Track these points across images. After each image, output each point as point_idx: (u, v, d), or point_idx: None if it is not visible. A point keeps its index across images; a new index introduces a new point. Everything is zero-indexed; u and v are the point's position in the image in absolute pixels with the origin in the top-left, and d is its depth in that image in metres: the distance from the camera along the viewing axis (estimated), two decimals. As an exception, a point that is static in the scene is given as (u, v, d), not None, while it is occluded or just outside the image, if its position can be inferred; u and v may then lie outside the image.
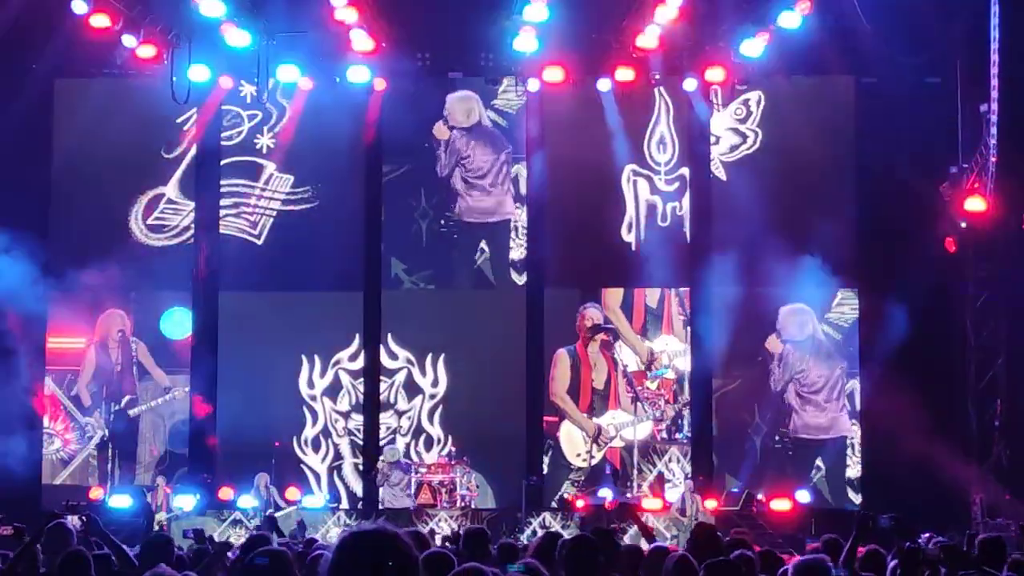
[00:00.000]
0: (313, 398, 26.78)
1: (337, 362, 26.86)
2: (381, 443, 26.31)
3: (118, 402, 26.61)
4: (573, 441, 26.52)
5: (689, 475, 25.64)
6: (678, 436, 26.44)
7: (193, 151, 26.98)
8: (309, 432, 26.68)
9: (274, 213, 27.08)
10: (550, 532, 10.46)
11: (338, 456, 26.70)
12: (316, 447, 26.69)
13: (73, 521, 11.12)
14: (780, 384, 26.36)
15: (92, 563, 9.45)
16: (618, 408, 26.49)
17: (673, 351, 26.61)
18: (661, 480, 25.33)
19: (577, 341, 26.68)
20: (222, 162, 27.13)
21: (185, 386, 26.58)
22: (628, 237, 26.88)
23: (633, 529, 23.78)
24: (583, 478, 26.25)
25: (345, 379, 26.83)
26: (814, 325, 26.45)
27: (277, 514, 23.59)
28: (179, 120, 26.71)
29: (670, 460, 26.36)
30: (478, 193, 26.97)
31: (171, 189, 27.01)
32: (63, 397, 26.67)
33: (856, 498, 25.89)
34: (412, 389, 26.79)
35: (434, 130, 26.92)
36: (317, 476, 26.54)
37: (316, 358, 26.85)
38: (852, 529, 10.90)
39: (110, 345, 26.66)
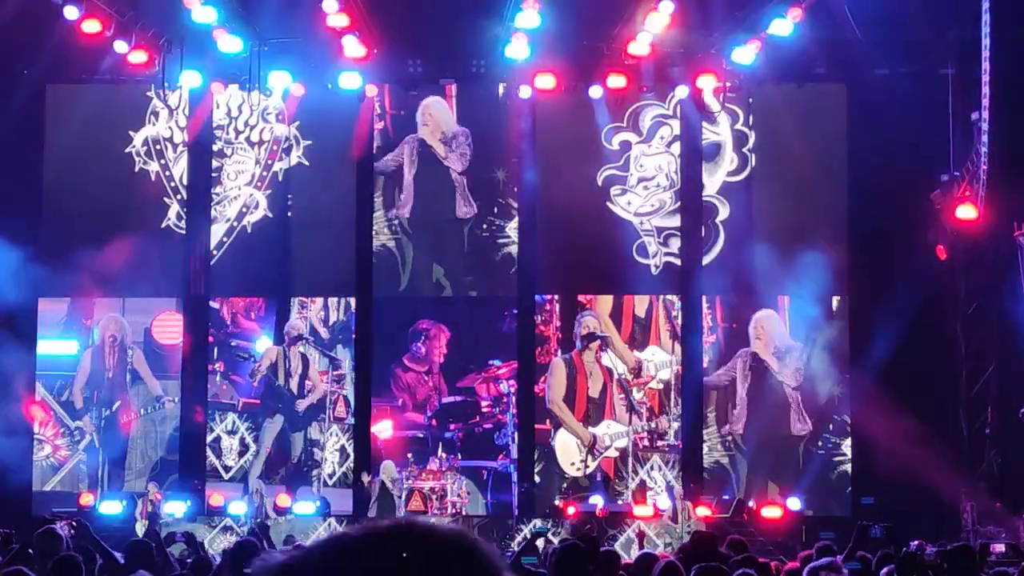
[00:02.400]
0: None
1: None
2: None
3: (109, 408, 26.58)
4: (568, 450, 26.48)
5: (670, 482, 25.72)
6: (660, 444, 26.40)
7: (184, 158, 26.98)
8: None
9: (267, 217, 27.05)
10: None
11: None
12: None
13: (63, 527, 11.11)
14: (741, 386, 26.46)
15: (83, 568, 9.44)
16: (613, 418, 26.46)
17: (660, 361, 26.59)
18: (643, 488, 25.26)
19: (573, 349, 26.65)
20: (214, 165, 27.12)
21: (177, 393, 26.54)
22: (620, 244, 26.87)
23: (624, 536, 23.82)
24: (566, 486, 26.20)
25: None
26: (774, 330, 26.48)
27: (267, 522, 23.63)
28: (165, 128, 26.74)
29: (652, 468, 26.33)
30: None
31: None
32: (53, 403, 26.62)
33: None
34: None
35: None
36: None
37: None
38: (848, 536, 10.92)
39: (105, 351, 26.63)
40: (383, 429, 26.53)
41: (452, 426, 26.62)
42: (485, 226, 26.96)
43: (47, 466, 26.53)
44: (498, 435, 26.68)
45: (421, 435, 26.69)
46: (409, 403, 26.77)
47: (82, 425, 26.58)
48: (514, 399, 26.51)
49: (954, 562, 10.32)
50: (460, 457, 26.12)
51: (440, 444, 25.97)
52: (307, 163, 26.90)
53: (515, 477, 26.17)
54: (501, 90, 26.56)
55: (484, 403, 26.83)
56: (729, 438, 26.40)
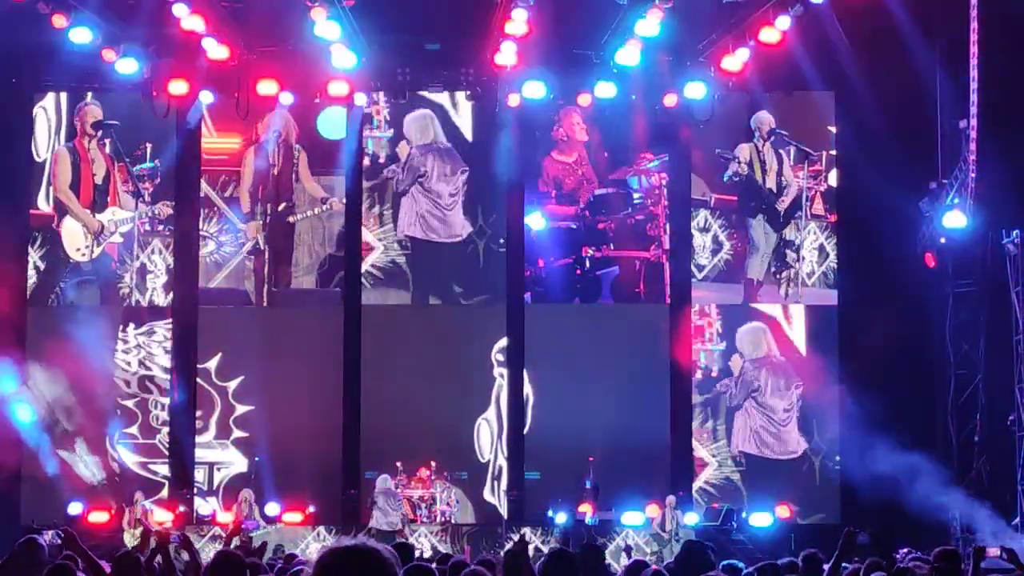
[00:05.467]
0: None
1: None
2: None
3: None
4: (73, 236, 26.48)
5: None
6: (160, 228, 26.32)
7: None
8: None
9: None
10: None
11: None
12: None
13: (49, 537, 11.08)
14: (736, 400, 26.45)
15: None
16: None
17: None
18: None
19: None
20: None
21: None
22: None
23: (613, 544, 23.80)
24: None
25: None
26: (769, 343, 26.51)
27: (257, 532, 23.60)
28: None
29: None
30: (437, 212, 26.91)
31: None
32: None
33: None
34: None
35: (397, 148, 26.93)
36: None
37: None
38: (836, 545, 10.90)
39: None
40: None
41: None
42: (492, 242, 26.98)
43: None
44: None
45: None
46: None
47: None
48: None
49: (942, 568, 10.29)
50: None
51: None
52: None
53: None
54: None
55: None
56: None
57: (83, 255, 26.46)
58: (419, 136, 26.91)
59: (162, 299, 26.73)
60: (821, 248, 26.64)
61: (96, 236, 26.46)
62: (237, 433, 26.50)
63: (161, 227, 26.73)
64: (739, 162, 26.52)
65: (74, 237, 26.47)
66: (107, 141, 26.54)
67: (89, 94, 26.46)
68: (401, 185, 26.88)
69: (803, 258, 26.54)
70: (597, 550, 11.18)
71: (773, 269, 26.60)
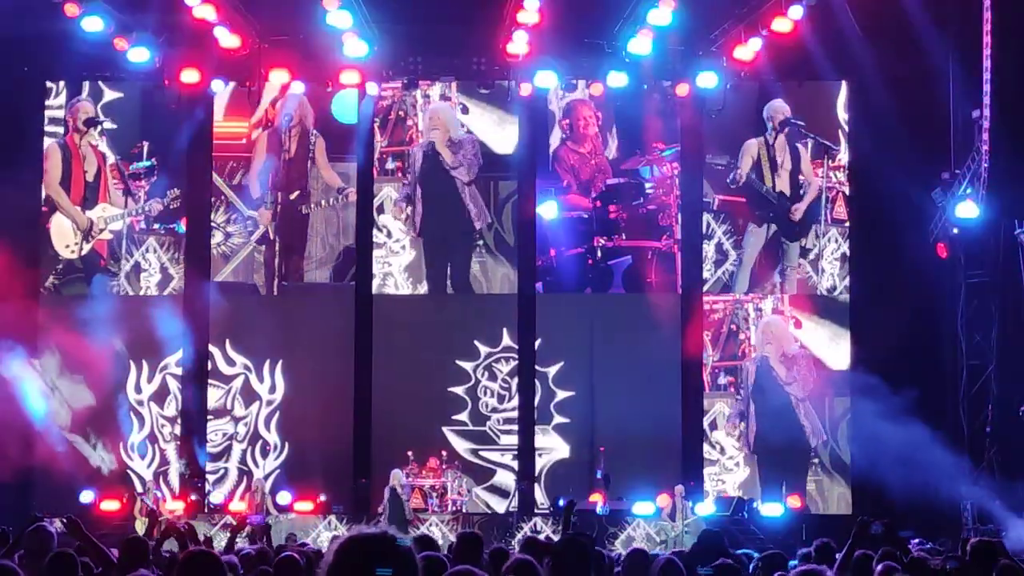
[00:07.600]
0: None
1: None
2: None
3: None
4: (63, 232, 26.38)
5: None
6: (155, 227, 26.39)
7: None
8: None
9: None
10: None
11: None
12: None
13: (56, 524, 11.06)
14: (745, 391, 26.40)
15: (79, 564, 9.41)
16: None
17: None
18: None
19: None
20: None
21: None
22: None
23: (625, 534, 23.79)
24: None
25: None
26: (785, 335, 26.41)
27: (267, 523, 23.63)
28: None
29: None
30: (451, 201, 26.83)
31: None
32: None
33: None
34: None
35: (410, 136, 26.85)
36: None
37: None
38: (848, 534, 10.89)
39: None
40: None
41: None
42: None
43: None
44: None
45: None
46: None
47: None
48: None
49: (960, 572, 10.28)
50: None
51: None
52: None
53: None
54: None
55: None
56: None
57: (72, 252, 26.37)
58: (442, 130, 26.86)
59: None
60: (844, 257, 26.50)
61: (85, 233, 26.37)
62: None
63: (157, 225, 26.57)
64: (739, 171, 26.43)
65: (63, 234, 26.39)
66: (99, 139, 26.46)
67: (85, 89, 26.41)
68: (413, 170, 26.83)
69: (822, 270, 26.41)
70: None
71: (782, 270, 26.47)
